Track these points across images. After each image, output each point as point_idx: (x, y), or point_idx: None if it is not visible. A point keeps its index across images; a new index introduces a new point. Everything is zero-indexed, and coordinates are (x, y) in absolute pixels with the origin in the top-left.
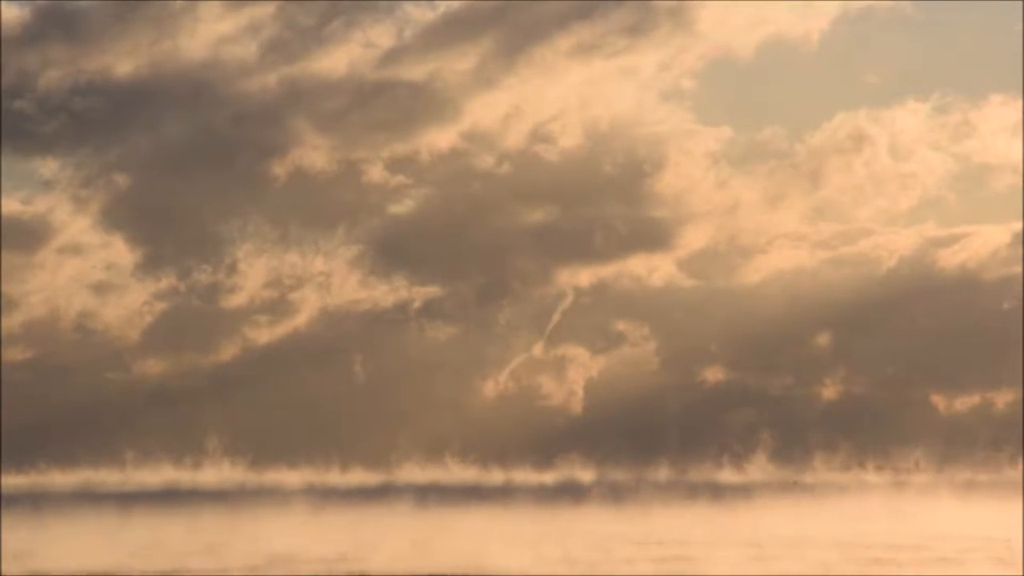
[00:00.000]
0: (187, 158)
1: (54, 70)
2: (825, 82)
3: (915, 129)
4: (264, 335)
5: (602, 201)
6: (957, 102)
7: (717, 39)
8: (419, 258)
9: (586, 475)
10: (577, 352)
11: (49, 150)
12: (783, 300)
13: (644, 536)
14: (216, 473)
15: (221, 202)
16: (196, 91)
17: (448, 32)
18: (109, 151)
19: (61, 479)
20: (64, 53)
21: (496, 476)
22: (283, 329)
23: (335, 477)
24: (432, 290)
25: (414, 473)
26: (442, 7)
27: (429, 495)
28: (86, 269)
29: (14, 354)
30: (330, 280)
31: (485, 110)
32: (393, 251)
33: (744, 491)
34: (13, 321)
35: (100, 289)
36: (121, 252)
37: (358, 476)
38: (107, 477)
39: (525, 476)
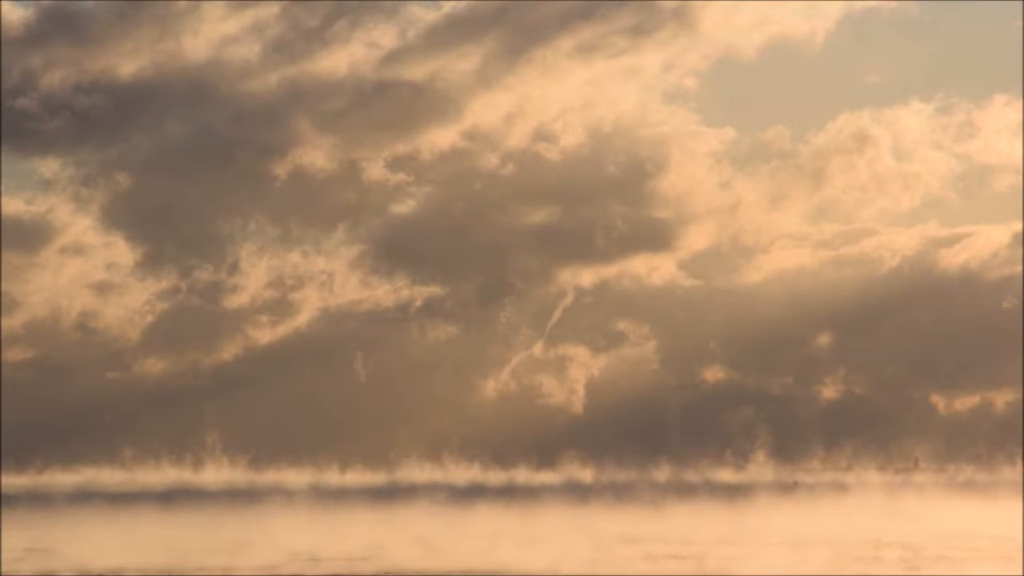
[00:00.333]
0: (189, 158)
1: (57, 69)
2: (828, 83)
3: (918, 129)
4: (265, 335)
5: (604, 201)
6: (961, 103)
7: (721, 39)
8: (420, 258)
9: (587, 474)
10: (578, 351)
11: (50, 149)
12: (784, 300)
13: (645, 534)
14: (217, 473)
15: (223, 201)
16: (198, 91)
17: (451, 32)
18: (110, 150)
19: (62, 478)
20: (68, 53)
21: (497, 475)
22: (284, 329)
23: (337, 476)
24: (433, 290)
25: (415, 472)
26: (445, 7)
27: (433, 494)
28: (87, 269)
29: (15, 354)
30: (331, 280)
31: (487, 110)
32: (394, 251)
33: (744, 490)
34: (15, 321)
35: (101, 289)
36: (122, 251)
37: (360, 475)
38: (108, 477)
39: (526, 475)
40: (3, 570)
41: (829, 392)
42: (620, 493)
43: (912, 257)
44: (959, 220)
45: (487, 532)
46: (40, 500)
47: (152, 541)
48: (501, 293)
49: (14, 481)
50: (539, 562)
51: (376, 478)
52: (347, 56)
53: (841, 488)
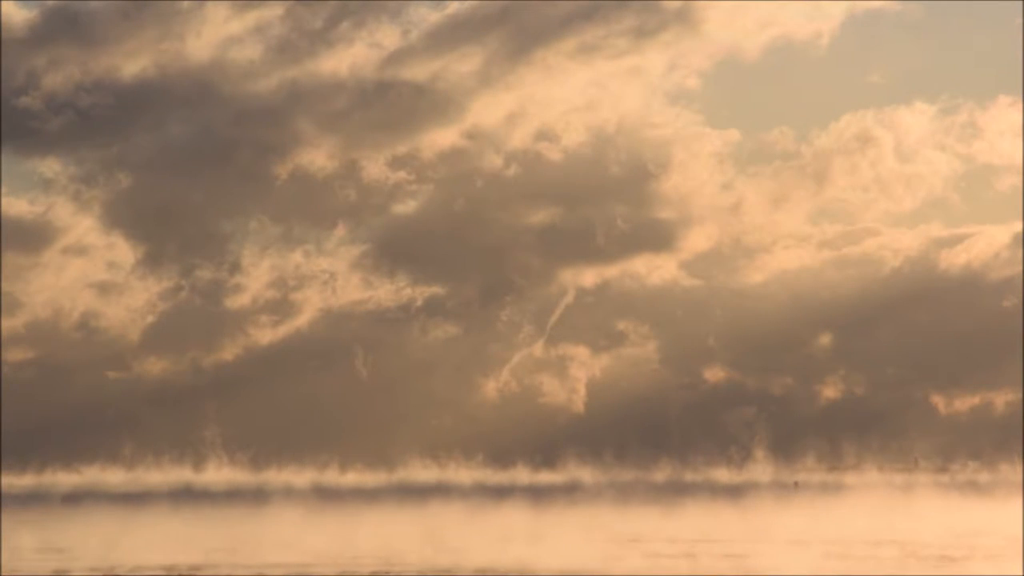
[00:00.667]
0: (190, 157)
1: (61, 69)
2: (832, 83)
3: (921, 130)
4: (267, 335)
5: (606, 202)
6: (964, 104)
7: (724, 40)
8: (422, 257)
9: (587, 473)
10: (579, 351)
11: (51, 149)
12: (785, 300)
13: (645, 534)
14: (218, 472)
15: (224, 201)
16: (201, 91)
17: (453, 33)
18: (112, 149)
19: (63, 478)
20: (71, 53)
21: (498, 474)
22: (286, 329)
23: (338, 476)
24: (434, 289)
25: (416, 471)
26: (448, 8)
27: (434, 493)
28: (89, 269)
29: (16, 354)
30: (333, 279)
31: (489, 110)
32: (396, 250)
33: (744, 490)
34: (17, 321)
35: (103, 289)
36: (123, 251)
37: (361, 475)
38: (109, 476)
39: (526, 474)
40: (10, 569)
41: (830, 392)
42: (620, 492)
43: (914, 257)
44: (961, 220)
45: (488, 531)
46: (41, 500)
47: (157, 539)
48: (502, 293)
49: (15, 481)
50: (540, 561)
51: (377, 477)
52: (349, 56)
53: (841, 488)
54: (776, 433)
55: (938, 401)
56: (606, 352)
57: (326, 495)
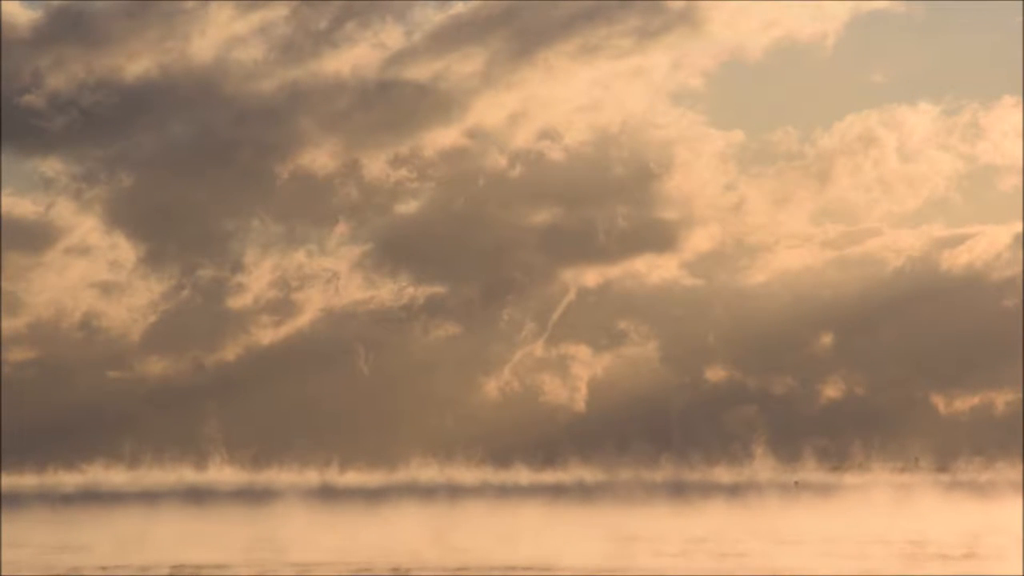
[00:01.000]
0: (192, 157)
1: (64, 69)
2: (836, 84)
3: (924, 130)
4: (269, 334)
5: (609, 201)
6: (968, 104)
7: (728, 41)
8: (423, 257)
9: (588, 472)
10: (580, 351)
11: (53, 148)
12: (787, 300)
13: (646, 533)
14: (220, 472)
15: (226, 201)
16: (203, 91)
17: (456, 33)
18: (113, 149)
19: (64, 478)
20: (75, 52)
21: (499, 473)
22: (288, 328)
23: (339, 475)
24: (436, 288)
25: (417, 471)
26: (451, 8)
27: (435, 492)
28: (91, 268)
29: (18, 354)
30: (335, 279)
31: (491, 110)
32: (397, 250)
33: (745, 489)
34: (19, 321)
35: (104, 288)
36: (125, 251)
37: (362, 474)
38: (111, 476)
39: (527, 473)
40: (11, 569)
41: (831, 392)
42: (621, 492)
43: (916, 257)
44: (963, 221)
45: (488, 531)
46: (42, 499)
47: (162, 539)
48: (504, 292)
49: (16, 480)
50: (540, 560)
51: (378, 477)
52: (352, 56)
53: (842, 488)
54: (777, 432)
55: (938, 401)
56: (607, 351)
57: (328, 494)
